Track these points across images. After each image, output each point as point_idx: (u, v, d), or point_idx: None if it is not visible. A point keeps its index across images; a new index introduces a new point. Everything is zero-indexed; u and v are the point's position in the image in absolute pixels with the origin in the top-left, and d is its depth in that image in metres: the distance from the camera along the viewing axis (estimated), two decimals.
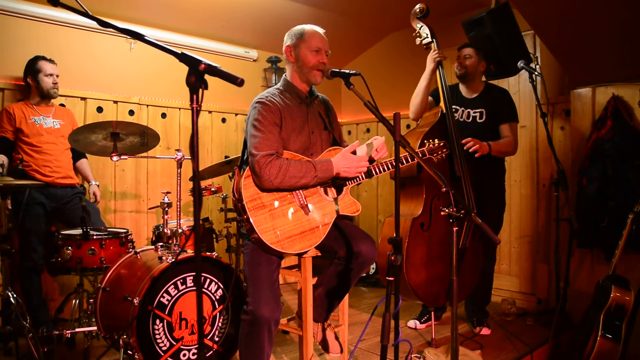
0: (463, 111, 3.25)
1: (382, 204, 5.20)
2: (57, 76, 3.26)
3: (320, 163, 2.18)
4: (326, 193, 2.30)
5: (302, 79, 2.31)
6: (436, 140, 2.56)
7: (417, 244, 2.85)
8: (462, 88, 3.29)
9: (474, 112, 3.22)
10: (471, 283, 3.08)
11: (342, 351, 2.45)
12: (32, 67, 3.20)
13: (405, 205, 3.02)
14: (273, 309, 2.09)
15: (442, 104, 3.03)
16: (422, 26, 3.08)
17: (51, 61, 3.25)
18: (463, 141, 2.97)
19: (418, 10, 3.07)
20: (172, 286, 2.40)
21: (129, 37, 3.30)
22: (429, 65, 3.04)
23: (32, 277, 3.04)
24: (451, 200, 1.93)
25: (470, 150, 2.96)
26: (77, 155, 3.44)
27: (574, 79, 3.52)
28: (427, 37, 3.06)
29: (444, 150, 2.56)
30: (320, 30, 2.32)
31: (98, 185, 3.50)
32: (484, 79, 3.34)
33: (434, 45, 3.05)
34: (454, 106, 3.27)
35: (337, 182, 2.32)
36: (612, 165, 3.17)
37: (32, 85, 3.23)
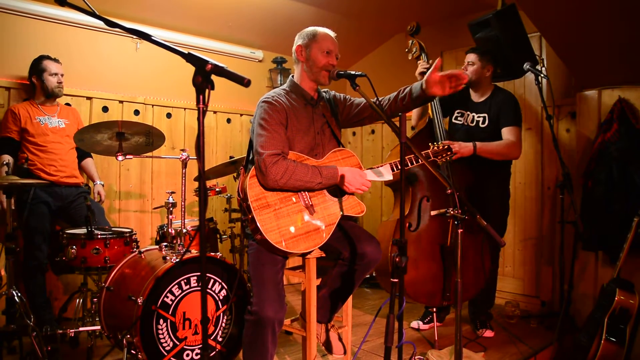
0: (469, 115, 3.24)
1: (386, 205, 5.19)
2: (62, 75, 3.27)
3: (327, 170, 2.19)
4: (331, 193, 2.30)
5: (311, 78, 2.32)
6: (441, 143, 2.61)
7: None
8: (472, 92, 3.29)
9: (478, 117, 3.22)
10: (475, 285, 3.08)
11: (345, 352, 2.45)
12: (37, 67, 3.20)
13: (394, 207, 3.21)
14: (277, 309, 2.09)
15: (429, 111, 3.17)
16: (412, 42, 3.26)
17: (56, 60, 3.25)
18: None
19: (409, 28, 3.24)
20: (176, 286, 2.41)
21: (135, 37, 3.31)
22: (417, 77, 3.15)
23: (37, 276, 3.05)
24: (441, 202, 1.95)
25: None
26: (82, 154, 3.45)
27: (580, 81, 3.50)
28: (417, 52, 3.23)
29: (449, 152, 2.58)
30: (332, 34, 2.35)
31: (103, 185, 3.52)
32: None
33: (423, 58, 3.17)
34: (461, 110, 3.29)
35: None
36: (617, 168, 3.16)
37: (36, 85, 3.23)
